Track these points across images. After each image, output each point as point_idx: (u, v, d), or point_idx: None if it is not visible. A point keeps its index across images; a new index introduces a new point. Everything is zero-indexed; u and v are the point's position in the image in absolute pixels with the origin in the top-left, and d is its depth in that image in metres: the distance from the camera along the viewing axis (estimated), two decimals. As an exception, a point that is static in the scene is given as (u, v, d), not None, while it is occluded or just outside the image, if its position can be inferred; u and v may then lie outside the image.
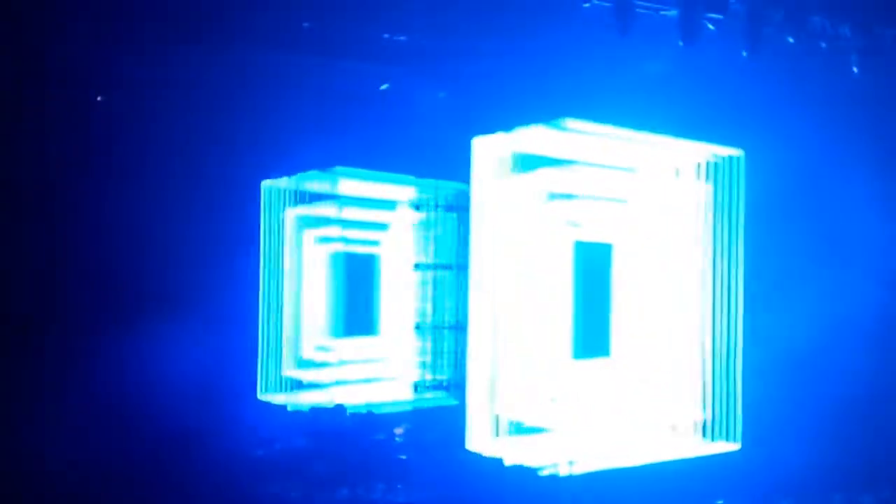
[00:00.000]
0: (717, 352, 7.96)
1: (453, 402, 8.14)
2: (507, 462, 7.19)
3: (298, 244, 8.29)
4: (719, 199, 8.02)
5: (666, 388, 7.97)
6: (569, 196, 7.70)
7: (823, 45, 8.31)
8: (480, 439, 7.32)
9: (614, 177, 7.87)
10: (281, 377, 8.13)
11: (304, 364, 8.36)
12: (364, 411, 8.02)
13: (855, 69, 8.46)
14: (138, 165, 7.49)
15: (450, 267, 8.29)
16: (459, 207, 8.20)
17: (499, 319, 7.41)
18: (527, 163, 7.45)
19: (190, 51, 7.27)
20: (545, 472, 7.05)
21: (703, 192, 8.03)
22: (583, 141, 7.46)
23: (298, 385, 8.21)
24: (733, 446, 7.85)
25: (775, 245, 8.39)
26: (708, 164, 7.98)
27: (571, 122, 7.01)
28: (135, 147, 7.47)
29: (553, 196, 7.65)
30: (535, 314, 7.59)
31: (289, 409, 8.07)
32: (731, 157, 7.90)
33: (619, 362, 7.90)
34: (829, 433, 8.22)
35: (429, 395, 8.30)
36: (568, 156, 7.58)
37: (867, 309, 8.61)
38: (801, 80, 8.40)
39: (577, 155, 7.61)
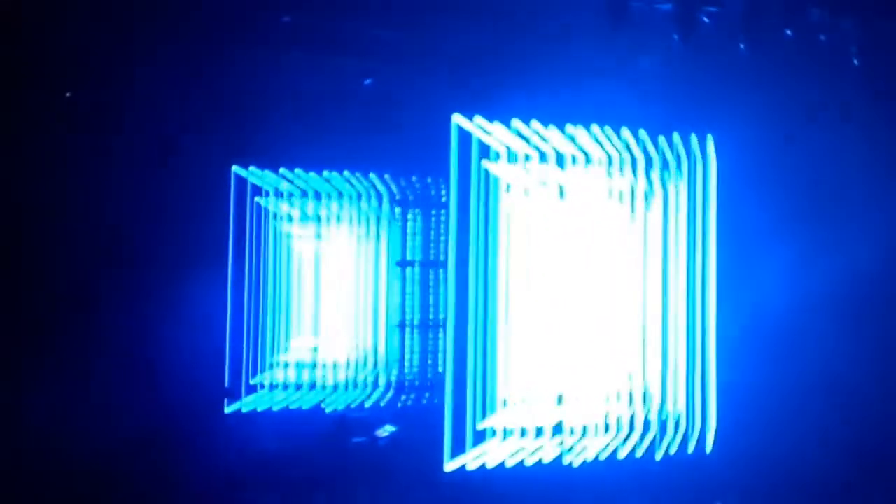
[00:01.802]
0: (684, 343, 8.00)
1: (435, 403, 8.07)
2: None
3: (265, 239, 8.19)
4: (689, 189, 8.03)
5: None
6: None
7: (823, 37, 8.21)
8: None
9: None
10: (253, 379, 8.04)
11: (277, 365, 8.28)
12: (343, 413, 7.99)
13: (855, 62, 8.36)
14: (114, 160, 7.37)
15: (433, 264, 8.25)
16: (442, 203, 8.16)
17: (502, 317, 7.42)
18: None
19: (166, 45, 7.15)
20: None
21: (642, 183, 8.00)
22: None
23: (273, 387, 8.14)
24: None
25: (771, 239, 8.34)
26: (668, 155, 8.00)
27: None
28: (112, 142, 7.34)
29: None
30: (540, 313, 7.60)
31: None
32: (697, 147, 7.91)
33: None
34: (829, 432, 8.19)
35: (411, 396, 8.26)
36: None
37: (872, 308, 8.57)
38: (799, 74, 8.30)
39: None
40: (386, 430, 8.03)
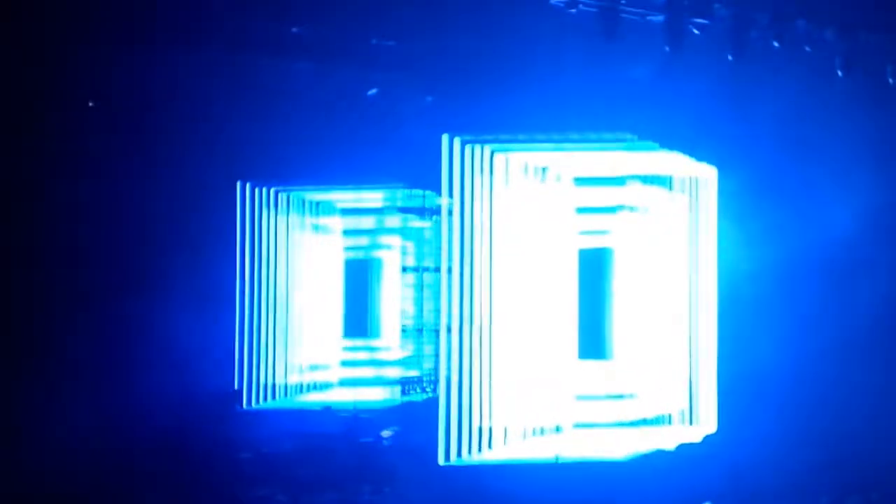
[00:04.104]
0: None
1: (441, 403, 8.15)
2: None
3: (275, 246, 8.28)
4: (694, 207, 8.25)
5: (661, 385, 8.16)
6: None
7: (808, 49, 8.36)
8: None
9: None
10: (268, 381, 8.10)
11: (292, 367, 8.35)
12: (351, 413, 8.03)
13: (839, 73, 8.51)
14: (123, 167, 7.46)
15: (437, 270, 8.31)
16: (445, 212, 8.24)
17: (501, 322, 7.55)
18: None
19: (178, 55, 7.27)
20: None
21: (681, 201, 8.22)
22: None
23: (286, 388, 8.21)
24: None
25: (760, 247, 8.47)
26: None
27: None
28: (120, 149, 7.44)
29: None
30: (539, 317, 7.72)
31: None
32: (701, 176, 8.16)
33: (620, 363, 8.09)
34: (816, 434, 8.31)
35: (417, 397, 8.31)
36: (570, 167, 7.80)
37: (857, 317, 8.69)
38: (786, 84, 8.46)
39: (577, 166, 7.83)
40: (392, 431, 8.09)
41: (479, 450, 7.50)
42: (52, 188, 7.24)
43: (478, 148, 7.66)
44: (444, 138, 7.58)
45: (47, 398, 7.07)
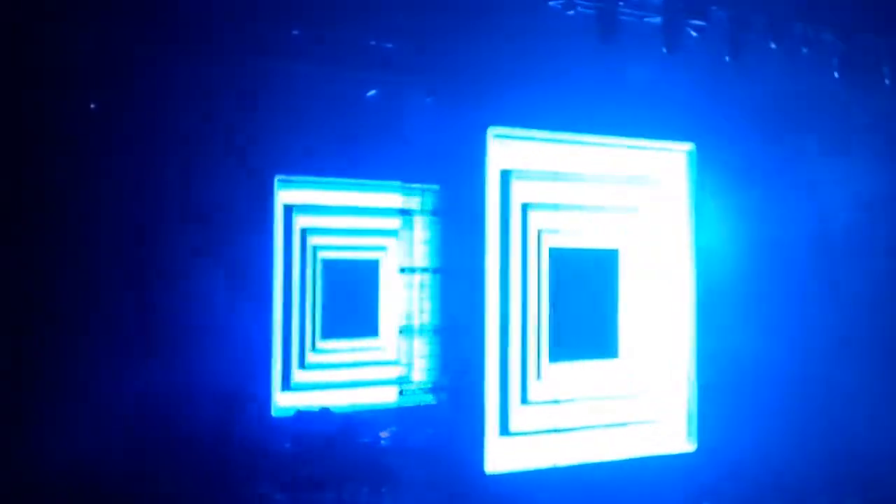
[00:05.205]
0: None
1: (438, 404, 8.20)
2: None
3: (293, 247, 8.31)
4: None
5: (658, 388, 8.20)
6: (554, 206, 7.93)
7: (805, 50, 8.41)
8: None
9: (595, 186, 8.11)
10: (270, 380, 8.15)
11: (293, 366, 8.39)
12: (349, 414, 8.07)
13: (836, 74, 8.57)
14: (135, 166, 7.50)
15: (435, 270, 8.35)
16: (443, 212, 8.29)
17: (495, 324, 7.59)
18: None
19: (180, 58, 7.31)
20: None
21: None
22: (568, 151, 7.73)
23: (288, 387, 8.25)
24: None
25: (754, 244, 8.53)
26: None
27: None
28: (132, 149, 7.48)
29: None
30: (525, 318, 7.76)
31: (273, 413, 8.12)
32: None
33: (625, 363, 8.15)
34: (814, 436, 8.37)
35: (414, 397, 8.35)
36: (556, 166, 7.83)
37: (856, 316, 8.75)
38: (782, 85, 8.51)
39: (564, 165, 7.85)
40: (390, 432, 8.13)
41: (477, 453, 7.53)
42: (55, 189, 7.28)
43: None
44: (490, 132, 7.58)
45: (49, 398, 7.10)
